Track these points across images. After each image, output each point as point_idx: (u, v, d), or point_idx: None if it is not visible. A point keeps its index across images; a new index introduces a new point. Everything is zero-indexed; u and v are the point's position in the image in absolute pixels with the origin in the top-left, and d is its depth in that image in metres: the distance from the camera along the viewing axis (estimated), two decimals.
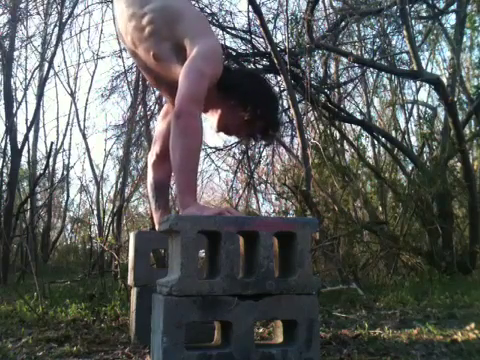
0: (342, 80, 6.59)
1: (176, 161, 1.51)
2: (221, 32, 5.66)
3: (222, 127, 1.79)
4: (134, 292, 1.95)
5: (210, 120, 1.81)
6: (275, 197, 6.77)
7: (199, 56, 1.62)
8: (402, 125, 6.88)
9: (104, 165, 8.99)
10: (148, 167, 2.03)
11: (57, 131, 8.80)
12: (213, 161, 6.45)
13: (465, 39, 6.07)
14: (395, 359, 1.61)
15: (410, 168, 5.87)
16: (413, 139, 6.92)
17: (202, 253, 1.83)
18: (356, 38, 6.65)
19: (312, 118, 5.77)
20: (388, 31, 5.92)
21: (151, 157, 2.01)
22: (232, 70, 1.89)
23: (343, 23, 5.74)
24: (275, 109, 1.80)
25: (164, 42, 1.72)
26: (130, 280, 1.98)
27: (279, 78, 5.53)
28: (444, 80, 5.18)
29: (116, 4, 1.89)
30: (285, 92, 5.41)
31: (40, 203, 8.18)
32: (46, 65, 7.12)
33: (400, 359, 1.61)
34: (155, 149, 1.99)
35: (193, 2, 5.47)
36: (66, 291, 3.74)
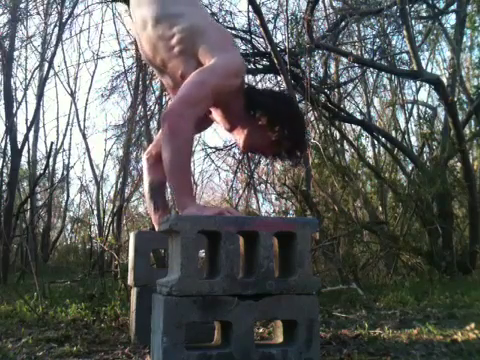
0: (342, 80, 6.59)
1: (166, 163, 1.51)
2: None
3: (248, 146, 1.78)
4: (134, 292, 1.95)
5: (236, 139, 1.79)
6: (275, 197, 6.77)
7: (208, 68, 1.62)
8: (402, 125, 6.88)
9: (104, 165, 9.00)
10: (144, 168, 2.02)
11: (57, 131, 8.80)
12: (213, 161, 6.46)
13: (465, 39, 6.07)
14: (395, 359, 1.61)
15: (410, 168, 5.87)
16: (413, 139, 6.93)
17: (202, 253, 1.83)
18: (356, 38, 6.65)
19: (312, 118, 5.77)
20: (388, 31, 5.92)
21: (147, 157, 2.00)
22: (259, 90, 1.89)
23: (343, 23, 5.74)
24: (302, 130, 1.79)
25: (190, 60, 1.71)
26: (130, 280, 1.98)
27: (279, 78, 5.53)
28: (444, 80, 5.18)
29: (140, 27, 1.85)
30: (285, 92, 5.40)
31: (40, 203, 8.18)
32: (46, 65, 7.13)
33: (400, 359, 1.61)
34: (151, 149, 1.99)
35: None
36: (66, 291, 3.74)
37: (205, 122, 1.90)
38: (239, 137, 1.76)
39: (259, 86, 5.97)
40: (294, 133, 1.71)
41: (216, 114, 1.80)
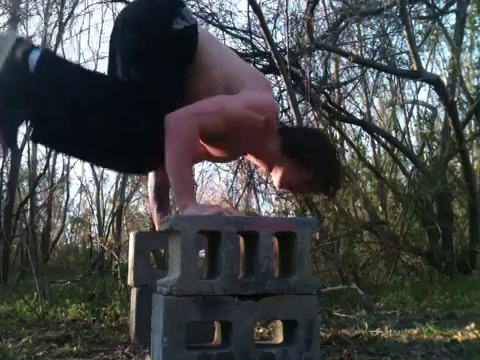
0: (342, 80, 6.59)
1: (169, 164, 1.51)
2: (221, 32, 5.67)
3: (284, 184, 1.80)
4: (134, 292, 1.95)
5: (273, 176, 1.81)
6: (275, 197, 6.77)
7: (231, 96, 1.62)
8: (402, 125, 6.88)
9: None
10: None
11: None
12: (213, 161, 6.45)
13: (465, 39, 6.07)
14: (395, 359, 1.61)
15: (410, 168, 5.87)
16: (413, 139, 6.93)
17: (202, 253, 1.83)
18: (356, 38, 6.65)
19: (312, 118, 5.77)
20: (388, 31, 5.92)
21: None
22: (293, 128, 1.95)
23: (343, 23, 5.74)
24: (337, 167, 1.82)
25: None
26: (130, 280, 1.98)
27: (279, 78, 5.53)
28: (444, 80, 5.19)
29: None
30: (285, 92, 5.41)
31: (40, 203, 8.18)
32: None
33: (400, 359, 1.61)
34: None
35: (193, 2, 5.49)
36: (66, 291, 3.74)
37: (219, 152, 1.81)
38: (275, 176, 1.78)
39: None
40: (328, 171, 1.74)
41: (253, 158, 1.83)
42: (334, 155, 1.85)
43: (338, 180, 1.86)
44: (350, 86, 6.72)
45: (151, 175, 1.99)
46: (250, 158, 1.85)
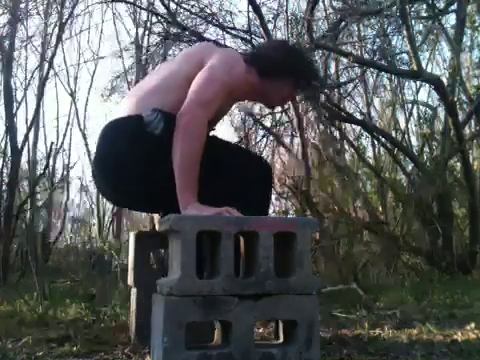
0: (342, 80, 6.59)
1: (176, 162, 1.53)
2: (221, 32, 5.67)
3: (278, 101, 1.99)
4: (134, 292, 1.95)
5: (265, 103, 2.01)
6: (275, 197, 6.76)
7: (211, 66, 1.67)
8: (402, 125, 6.87)
9: None
10: None
11: (57, 131, 8.78)
12: None
13: (465, 39, 6.06)
14: (395, 359, 1.61)
15: (410, 168, 5.86)
16: (413, 139, 6.91)
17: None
18: (356, 38, 6.64)
19: (312, 118, 5.76)
20: (388, 31, 5.92)
21: None
22: (258, 52, 1.98)
23: (343, 23, 5.74)
24: (309, 64, 1.98)
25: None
26: (130, 280, 1.98)
27: None
28: (444, 80, 5.18)
29: None
30: None
31: (40, 203, 8.17)
32: (46, 65, 7.12)
33: (400, 359, 1.61)
34: None
35: (193, 2, 5.49)
36: (66, 291, 3.73)
37: (218, 117, 1.93)
38: (268, 100, 1.95)
39: None
40: (305, 70, 1.90)
41: (258, 101, 2.06)
42: (301, 53, 2.02)
43: (314, 73, 2.04)
44: (350, 86, 6.71)
45: None
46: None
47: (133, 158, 1.62)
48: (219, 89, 1.64)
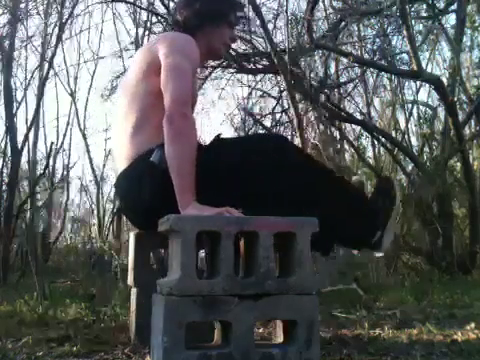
0: (342, 80, 6.59)
1: (172, 166, 1.53)
2: None
3: (219, 51, 1.95)
4: (134, 292, 1.95)
5: (211, 58, 2.10)
6: None
7: (169, 57, 1.67)
8: (402, 125, 6.87)
9: (104, 165, 8.98)
10: None
11: (57, 131, 8.78)
12: None
13: (465, 39, 6.05)
14: (395, 359, 1.61)
15: (410, 168, 5.86)
16: (413, 139, 6.91)
17: (202, 253, 1.82)
18: (356, 38, 6.64)
19: (312, 118, 5.76)
20: (388, 31, 5.92)
21: None
22: (179, 19, 1.96)
23: (343, 23, 5.74)
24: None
25: None
26: (130, 280, 1.98)
27: (279, 78, 5.53)
28: (444, 80, 5.18)
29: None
30: (285, 92, 5.41)
31: (40, 203, 8.17)
32: (46, 65, 7.12)
33: (400, 359, 1.61)
34: None
35: None
36: (66, 291, 3.73)
37: (194, 93, 1.99)
38: (211, 53, 1.94)
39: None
40: (224, 8, 1.91)
41: (207, 58, 2.07)
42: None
43: (234, 3, 2.00)
44: (350, 86, 6.71)
45: None
46: None
47: (157, 198, 1.62)
48: (189, 79, 1.65)
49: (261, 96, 6.68)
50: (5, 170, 5.80)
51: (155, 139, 1.63)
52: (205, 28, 1.85)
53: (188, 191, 1.51)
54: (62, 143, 8.77)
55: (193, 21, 1.84)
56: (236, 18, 1.96)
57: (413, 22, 5.71)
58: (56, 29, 6.22)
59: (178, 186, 1.52)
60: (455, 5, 5.58)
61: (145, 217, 1.73)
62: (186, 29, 1.84)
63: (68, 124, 8.90)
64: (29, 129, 6.05)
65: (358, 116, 6.50)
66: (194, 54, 1.73)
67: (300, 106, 5.30)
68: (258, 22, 4.70)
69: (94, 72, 9.37)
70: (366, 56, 6.08)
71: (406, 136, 6.44)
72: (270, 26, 5.27)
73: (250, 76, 6.09)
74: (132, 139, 1.73)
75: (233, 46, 1.99)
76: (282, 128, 6.24)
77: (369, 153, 6.88)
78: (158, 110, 1.64)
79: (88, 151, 8.68)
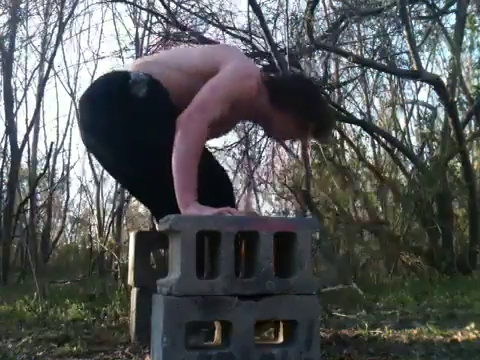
0: (342, 80, 6.59)
1: (174, 162, 1.55)
2: (221, 32, 5.67)
3: (280, 134, 1.90)
4: (134, 292, 1.95)
5: (268, 130, 1.93)
6: (275, 197, 6.77)
7: (219, 75, 1.68)
8: (402, 125, 6.87)
9: None
10: None
11: (57, 131, 8.78)
12: None
13: (465, 39, 6.04)
14: (395, 359, 1.61)
15: (410, 168, 5.86)
16: (413, 139, 6.91)
17: None
18: (356, 38, 6.64)
19: None
20: (388, 31, 5.92)
21: None
22: (277, 78, 1.96)
23: (343, 23, 5.74)
24: (324, 109, 1.87)
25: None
26: (130, 280, 1.98)
27: None
28: (444, 80, 5.18)
29: None
30: None
31: (40, 203, 8.17)
32: (46, 65, 7.12)
33: (400, 359, 1.61)
34: None
35: (193, 2, 5.49)
36: (66, 291, 3.74)
37: (223, 127, 1.92)
38: (271, 128, 1.87)
39: None
40: (317, 114, 1.79)
41: (261, 124, 1.98)
42: (320, 100, 1.91)
43: (329, 121, 1.91)
44: (350, 86, 6.72)
45: None
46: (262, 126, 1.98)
47: (113, 115, 1.68)
48: (222, 97, 1.64)
49: None
50: (5, 170, 5.80)
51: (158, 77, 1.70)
52: (282, 108, 1.77)
53: (188, 191, 1.52)
54: (62, 143, 8.79)
55: (280, 94, 1.77)
56: (318, 132, 1.86)
57: (413, 22, 5.71)
58: (56, 29, 6.23)
59: (178, 184, 1.53)
60: (455, 5, 5.58)
61: (91, 119, 1.76)
62: (270, 89, 1.77)
63: (68, 124, 8.91)
64: (29, 129, 6.06)
65: (358, 116, 6.51)
66: (246, 89, 1.70)
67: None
68: (258, 22, 4.70)
69: (94, 72, 9.38)
70: (366, 56, 6.08)
71: (406, 136, 6.45)
72: (270, 26, 5.27)
73: None
74: (144, 64, 1.81)
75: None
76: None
77: (369, 153, 6.89)
78: (187, 90, 1.67)
79: (88, 151, 8.67)
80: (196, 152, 1.57)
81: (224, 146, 6.30)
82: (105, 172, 9.21)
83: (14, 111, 5.58)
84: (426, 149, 5.73)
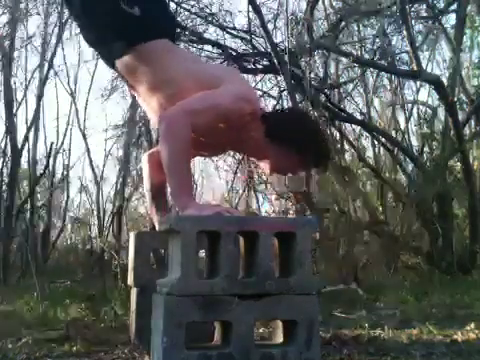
0: (342, 80, 6.59)
1: (165, 163, 1.52)
2: (221, 32, 5.67)
3: (276, 170, 1.81)
4: (134, 292, 1.95)
5: (263, 164, 1.84)
6: (275, 197, 6.76)
7: (215, 90, 1.64)
8: (402, 125, 6.87)
9: (104, 165, 8.99)
10: (144, 168, 2.00)
11: (57, 131, 8.78)
12: (213, 161, 6.46)
13: (465, 39, 6.05)
14: (395, 359, 1.61)
15: (410, 168, 5.87)
16: (413, 139, 6.92)
17: (202, 253, 1.82)
18: (356, 38, 6.64)
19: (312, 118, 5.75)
20: (388, 31, 5.92)
21: (149, 157, 1.97)
22: (275, 113, 1.92)
23: (343, 23, 5.74)
24: (323, 144, 1.80)
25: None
26: (130, 280, 1.98)
27: (279, 78, 5.53)
28: (444, 80, 5.18)
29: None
30: (285, 92, 5.41)
31: (40, 203, 8.17)
32: (46, 65, 7.13)
33: (400, 359, 1.61)
34: (154, 150, 1.97)
35: (193, 2, 5.49)
36: (66, 291, 3.74)
37: (208, 148, 1.86)
38: (265, 163, 1.79)
39: (259, 86, 6.00)
40: (315, 148, 1.72)
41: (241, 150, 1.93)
42: (318, 132, 1.84)
43: (327, 153, 1.86)
44: (350, 86, 6.72)
45: (148, 174, 1.97)
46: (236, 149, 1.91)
47: None
48: (211, 106, 1.58)
49: (261, 96, 6.69)
50: (5, 170, 5.81)
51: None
52: (278, 144, 1.69)
53: (184, 192, 1.50)
54: (62, 143, 8.79)
55: (277, 130, 1.70)
56: (313, 164, 1.84)
57: (413, 22, 5.71)
58: (56, 29, 6.23)
59: (172, 186, 1.52)
60: (455, 5, 5.58)
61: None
62: (267, 124, 1.70)
63: (68, 124, 8.91)
64: (29, 129, 6.07)
65: (358, 116, 6.51)
66: (238, 110, 1.63)
67: (300, 106, 5.30)
68: (258, 22, 4.70)
69: (94, 72, 9.38)
70: (366, 56, 6.08)
71: (406, 136, 6.45)
72: (270, 26, 5.27)
73: (250, 76, 6.09)
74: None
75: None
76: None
77: (369, 153, 6.89)
78: (185, 88, 1.64)
79: (88, 151, 8.68)
80: (183, 152, 1.52)
81: None
82: (105, 172, 9.25)
83: (14, 111, 5.59)
84: (426, 149, 5.74)
